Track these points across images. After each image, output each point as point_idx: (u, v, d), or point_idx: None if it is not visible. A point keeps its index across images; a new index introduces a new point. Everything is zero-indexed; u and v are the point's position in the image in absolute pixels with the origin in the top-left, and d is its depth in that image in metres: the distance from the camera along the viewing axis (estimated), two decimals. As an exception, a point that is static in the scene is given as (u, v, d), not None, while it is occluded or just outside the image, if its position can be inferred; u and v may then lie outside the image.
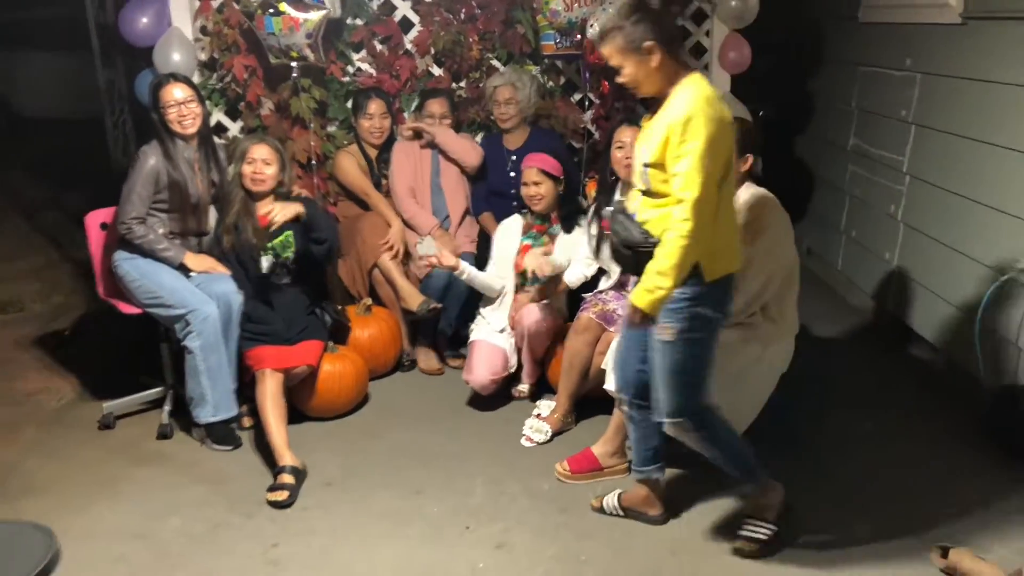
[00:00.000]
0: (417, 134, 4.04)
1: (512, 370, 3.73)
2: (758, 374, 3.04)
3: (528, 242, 3.72)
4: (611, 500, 2.94)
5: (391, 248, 3.96)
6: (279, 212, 3.43)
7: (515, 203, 3.97)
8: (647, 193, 2.47)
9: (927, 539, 2.73)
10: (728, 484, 3.03)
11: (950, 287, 3.79)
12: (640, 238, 2.44)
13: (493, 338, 3.69)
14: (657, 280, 2.36)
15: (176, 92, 3.44)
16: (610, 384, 3.01)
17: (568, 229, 3.71)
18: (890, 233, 4.33)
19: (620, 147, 3.38)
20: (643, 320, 2.45)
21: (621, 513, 2.91)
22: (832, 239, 5.11)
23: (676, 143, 2.31)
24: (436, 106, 4.05)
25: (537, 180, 3.63)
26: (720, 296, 2.51)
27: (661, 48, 2.36)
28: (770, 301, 3.00)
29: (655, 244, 2.39)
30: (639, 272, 2.43)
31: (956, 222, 3.75)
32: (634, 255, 2.47)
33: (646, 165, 2.43)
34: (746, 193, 3.04)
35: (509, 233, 3.79)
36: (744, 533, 2.73)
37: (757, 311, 2.99)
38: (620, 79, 2.45)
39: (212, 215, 3.68)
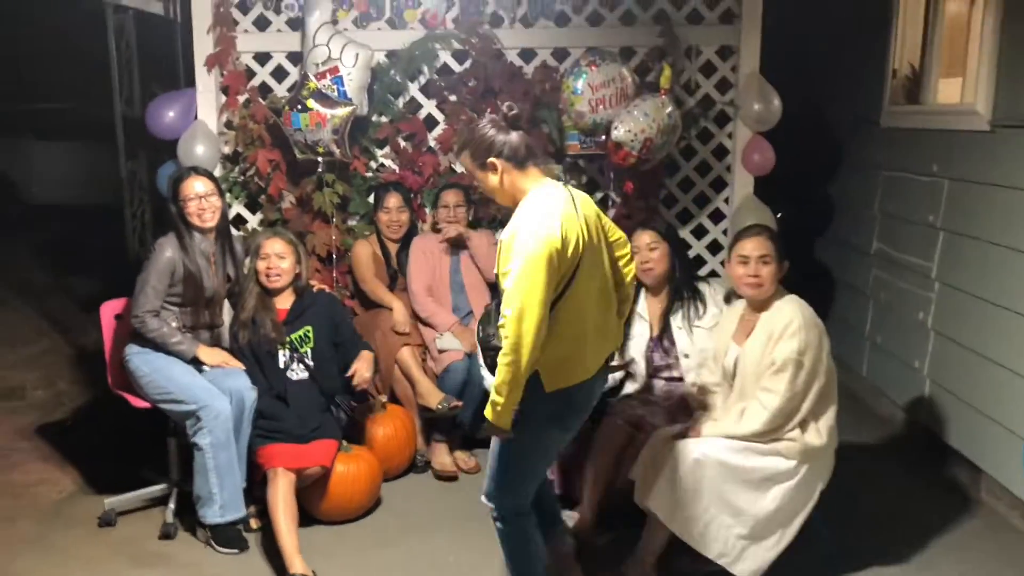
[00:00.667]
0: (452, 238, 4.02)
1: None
2: (795, 490, 2.89)
3: None
4: None
5: (405, 333, 3.88)
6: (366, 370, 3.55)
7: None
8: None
9: None
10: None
11: (989, 400, 3.66)
12: (496, 343, 2.44)
13: None
14: (494, 395, 2.37)
15: (197, 186, 3.42)
16: (645, 499, 2.87)
17: None
18: (920, 341, 4.23)
19: (636, 252, 3.34)
20: (496, 432, 2.44)
21: None
22: (856, 345, 5.00)
23: (504, 259, 2.37)
24: (451, 196, 4.03)
25: None
26: (558, 407, 2.49)
27: (506, 164, 2.44)
28: (808, 416, 2.88)
29: None
30: (492, 372, 2.43)
31: (991, 331, 3.65)
32: (491, 358, 2.46)
33: (496, 275, 2.47)
34: (779, 298, 2.96)
35: None
36: None
37: (795, 427, 2.86)
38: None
39: (227, 310, 3.61)
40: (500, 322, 2.36)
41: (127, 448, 4.02)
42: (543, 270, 2.29)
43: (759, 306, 3.00)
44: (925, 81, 4.36)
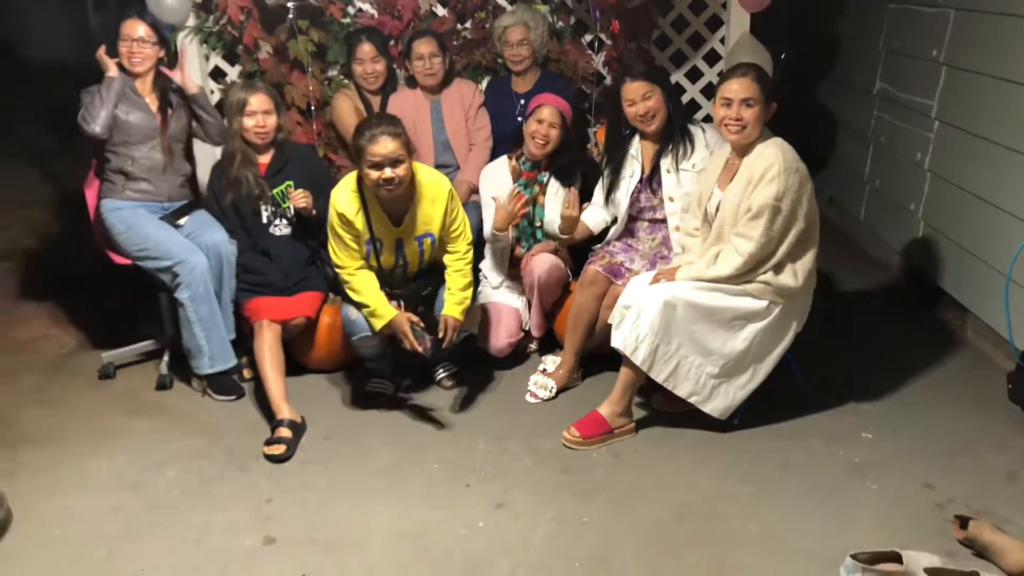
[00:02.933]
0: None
1: (527, 328, 3.61)
2: (767, 330, 2.90)
3: (519, 190, 3.55)
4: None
5: None
6: (301, 198, 3.35)
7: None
8: None
9: (947, 509, 2.62)
10: (743, 451, 2.94)
11: (979, 241, 3.61)
12: None
13: (504, 299, 3.57)
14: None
15: (137, 28, 3.38)
16: (618, 341, 2.90)
17: (566, 182, 3.52)
18: (916, 183, 4.13)
19: (631, 104, 3.22)
20: None
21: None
22: (855, 189, 4.91)
23: None
24: (424, 46, 3.84)
25: (552, 120, 3.44)
26: None
27: None
28: (785, 258, 2.84)
29: None
30: None
31: (987, 171, 3.55)
32: None
33: None
34: (761, 141, 2.86)
35: (498, 179, 3.61)
36: None
37: (769, 269, 2.84)
38: None
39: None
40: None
41: (127, 305, 4.10)
42: None
43: (742, 150, 2.92)
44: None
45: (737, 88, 2.83)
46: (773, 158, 2.79)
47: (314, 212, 3.38)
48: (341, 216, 3.03)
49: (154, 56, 3.43)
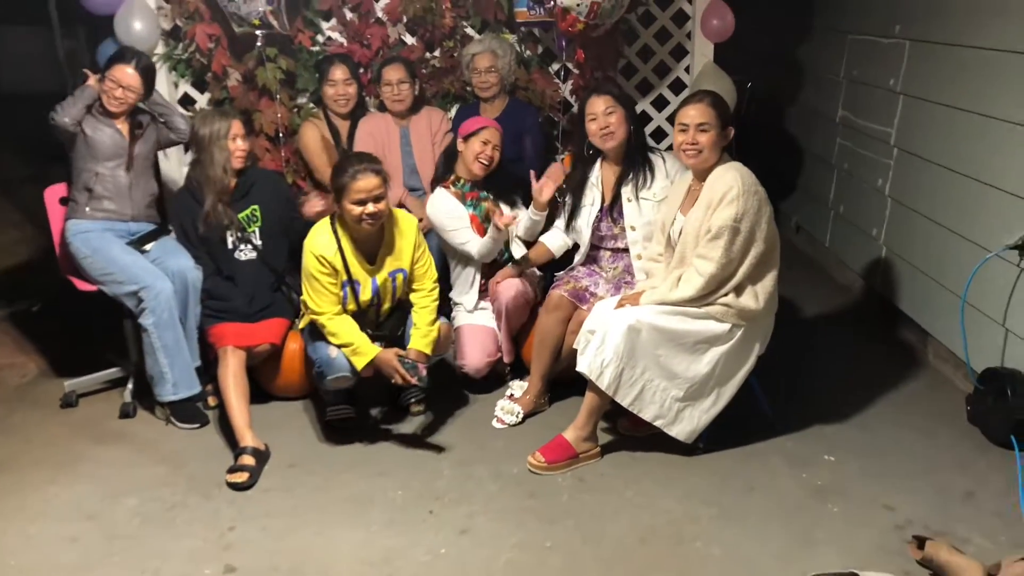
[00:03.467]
0: None
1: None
2: (730, 353, 2.93)
3: (472, 212, 3.55)
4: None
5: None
6: (318, 207, 3.39)
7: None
8: None
9: (906, 530, 2.65)
10: (707, 474, 2.96)
11: (936, 265, 3.68)
12: None
13: (479, 319, 3.58)
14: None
15: (129, 78, 3.36)
16: (583, 366, 2.91)
17: (507, 199, 3.57)
18: (877, 208, 4.21)
19: (593, 119, 3.26)
20: None
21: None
22: (820, 215, 4.99)
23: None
24: (393, 72, 3.88)
25: (497, 144, 3.47)
26: None
27: None
28: (745, 280, 2.88)
29: None
30: None
31: (943, 196, 3.64)
32: None
33: None
34: (721, 165, 2.92)
35: (450, 206, 3.55)
36: None
37: (730, 292, 2.87)
38: None
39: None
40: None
41: (90, 333, 4.07)
42: None
43: (702, 175, 2.96)
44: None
45: (693, 114, 2.88)
46: (732, 181, 2.83)
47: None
48: (320, 258, 3.05)
49: (134, 104, 3.42)
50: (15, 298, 4.81)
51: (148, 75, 3.43)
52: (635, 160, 3.32)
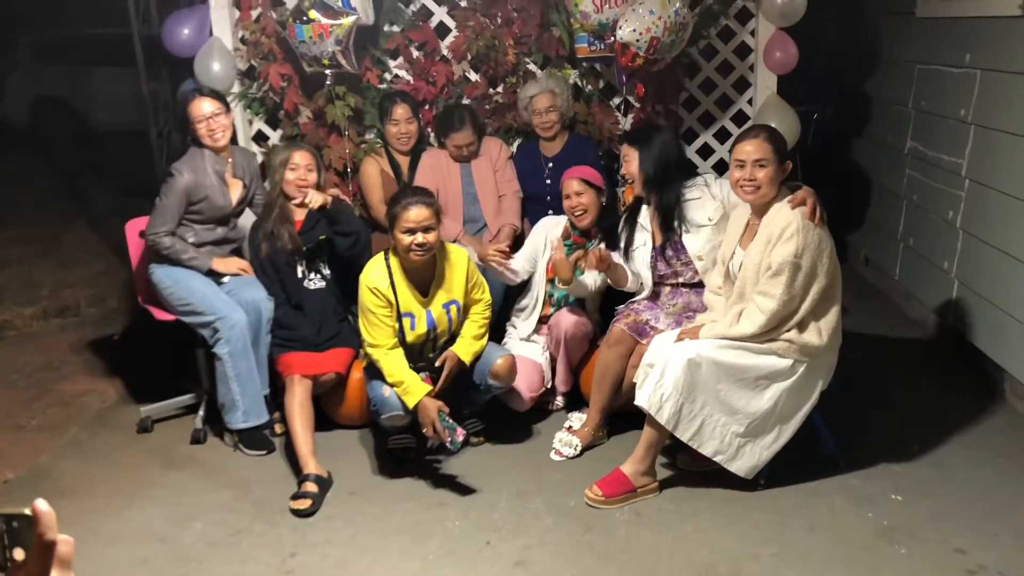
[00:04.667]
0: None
1: (549, 385, 3.64)
2: (792, 390, 2.89)
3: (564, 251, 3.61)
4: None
5: None
6: (313, 196, 3.41)
7: (550, 211, 3.89)
8: None
9: (977, 575, 2.55)
10: (768, 511, 2.91)
11: (1011, 298, 3.56)
12: None
13: (527, 351, 3.61)
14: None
15: (204, 106, 3.50)
16: (642, 400, 2.91)
17: (612, 245, 3.56)
18: (948, 241, 4.10)
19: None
20: None
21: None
22: (889, 248, 4.88)
23: None
24: (460, 138, 3.93)
25: (579, 190, 3.51)
26: None
27: None
28: (808, 316, 2.84)
29: None
30: None
31: (1017, 228, 3.52)
32: None
33: None
34: (779, 200, 2.89)
35: (548, 230, 3.65)
36: None
37: (792, 328, 2.84)
38: None
39: (244, 223, 3.70)
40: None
41: (166, 360, 4.23)
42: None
43: (760, 210, 2.95)
44: (962, -36, 4.10)
45: (750, 149, 2.87)
46: (791, 216, 2.81)
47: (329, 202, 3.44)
48: (374, 290, 3.14)
49: (230, 124, 3.58)
50: (99, 326, 5.06)
51: (217, 94, 3.58)
52: (665, 196, 3.34)
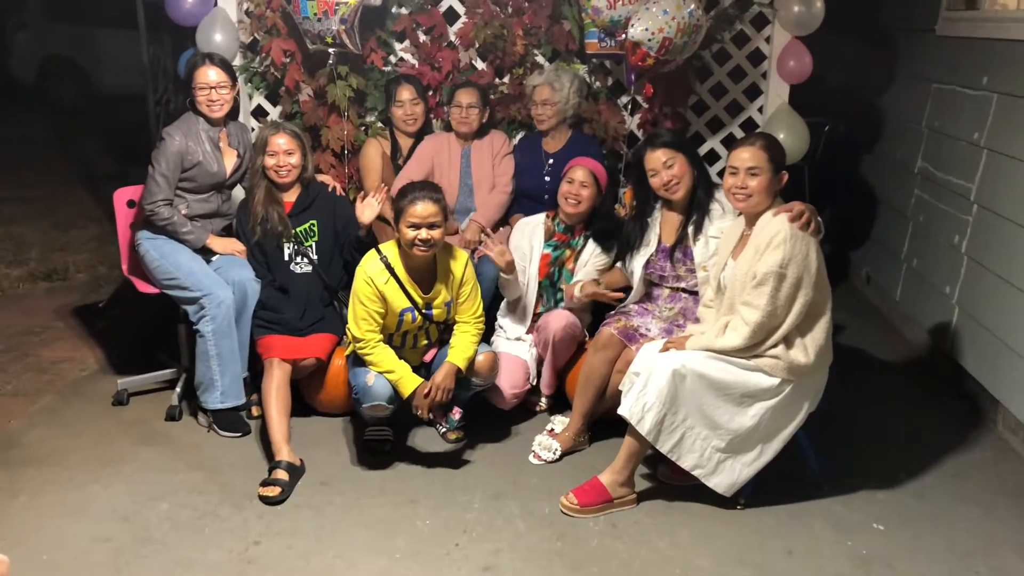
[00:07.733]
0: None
1: (533, 383, 3.57)
2: (777, 409, 2.81)
3: (548, 251, 3.54)
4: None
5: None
6: (366, 212, 3.38)
7: (547, 209, 3.81)
8: None
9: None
10: (746, 531, 2.84)
11: (1011, 329, 3.48)
12: None
13: (513, 349, 3.54)
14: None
15: (211, 74, 3.42)
16: (624, 409, 2.84)
17: (604, 245, 3.51)
18: (952, 265, 4.01)
19: (654, 175, 3.22)
20: None
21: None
22: (892, 267, 4.79)
23: None
24: (464, 96, 3.90)
25: (585, 181, 3.43)
26: None
27: None
28: (794, 331, 2.76)
29: None
30: None
31: (1023, 258, 3.44)
32: None
33: None
34: (770, 210, 2.81)
35: (530, 233, 3.60)
36: None
37: (779, 343, 2.76)
38: None
39: (238, 197, 3.63)
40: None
41: (149, 333, 4.17)
42: None
43: (751, 219, 2.87)
44: (985, -17, 4.01)
45: (745, 156, 2.80)
46: (780, 225, 2.72)
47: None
48: (370, 282, 3.07)
49: (231, 99, 3.50)
50: (86, 293, 5.00)
51: (226, 66, 3.50)
52: (701, 201, 3.25)
